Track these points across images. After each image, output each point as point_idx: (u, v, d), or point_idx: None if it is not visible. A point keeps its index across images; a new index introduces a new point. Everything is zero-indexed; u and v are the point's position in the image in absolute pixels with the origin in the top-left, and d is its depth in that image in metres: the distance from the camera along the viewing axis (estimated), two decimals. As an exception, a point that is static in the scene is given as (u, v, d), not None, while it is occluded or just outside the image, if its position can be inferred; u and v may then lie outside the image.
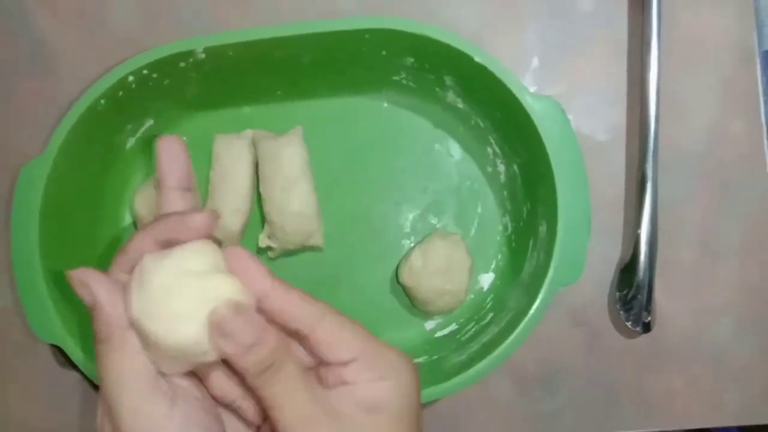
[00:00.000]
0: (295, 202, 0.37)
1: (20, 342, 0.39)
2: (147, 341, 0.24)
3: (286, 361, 0.25)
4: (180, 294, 0.24)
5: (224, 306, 0.24)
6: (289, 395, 0.25)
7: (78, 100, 0.35)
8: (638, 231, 0.38)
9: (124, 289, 0.25)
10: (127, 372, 0.25)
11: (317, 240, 0.38)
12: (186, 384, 0.26)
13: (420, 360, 0.38)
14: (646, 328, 0.38)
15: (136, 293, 0.24)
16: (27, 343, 0.39)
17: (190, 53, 0.35)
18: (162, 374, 0.25)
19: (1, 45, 0.40)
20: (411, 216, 0.40)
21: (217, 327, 0.23)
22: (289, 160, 0.38)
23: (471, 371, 0.34)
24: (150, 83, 0.36)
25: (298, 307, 0.25)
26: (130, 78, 0.35)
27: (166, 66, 0.36)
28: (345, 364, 0.25)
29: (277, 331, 0.25)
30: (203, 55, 0.36)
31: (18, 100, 0.40)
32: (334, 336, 0.26)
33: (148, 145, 0.40)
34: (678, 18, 0.40)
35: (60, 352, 0.36)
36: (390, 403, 0.25)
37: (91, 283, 0.25)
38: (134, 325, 0.24)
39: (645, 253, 0.38)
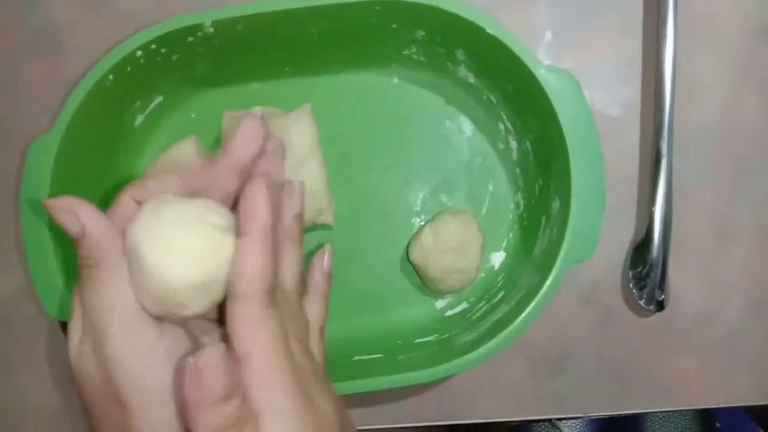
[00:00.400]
0: (305, 180, 0.37)
1: (31, 321, 0.39)
2: (137, 271, 0.24)
3: (248, 421, 0.23)
4: (197, 235, 0.24)
5: (214, 352, 0.22)
6: None
7: (85, 76, 0.35)
8: (652, 208, 0.38)
9: (126, 215, 0.25)
10: (118, 296, 0.24)
11: (327, 218, 0.38)
12: None
13: (430, 338, 0.37)
14: (660, 306, 0.38)
15: (147, 219, 0.24)
16: (38, 322, 0.39)
17: (198, 27, 0.35)
18: None
19: (9, 24, 0.40)
20: (421, 194, 0.40)
21: (194, 372, 0.22)
22: (299, 138, 0.37)
23: (481, 349, 0.33)
24: (158, 58, 0.36)
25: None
26: (139, 53, 0.35)
27: (174, 40, 0.35)
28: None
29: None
30: (212, 29, 0.35)
31: (26, 80, 0.40)
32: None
33: (157, 122, 0.39)
34: (695, -7, 0.39)
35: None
36: None
37: (78, 210, 0.25)
38: (129, 251, 0.24)
39: (659, 231, 0.38)
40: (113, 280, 0.25)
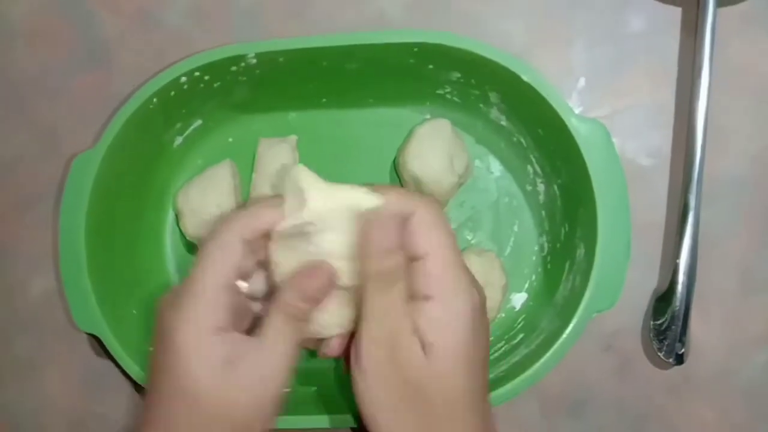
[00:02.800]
0: None
1: (61, 325, 0.40)
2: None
3: (399, 281, 0.28)
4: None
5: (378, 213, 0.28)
6: (386, 310, 0.28)
7: (131, 97, 0.36)
8: (677, 260, 0.38)
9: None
10: (217, 264, 0.28)
11: None
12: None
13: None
14: (680, 359, 0.38)
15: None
16: (67, 326, 0.40)
17: (242, 57, 0.36)
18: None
19: (62, 40, 0.41)
20: (447, 230, 0.40)
21: (366, 230, 0.28)
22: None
23: (498, 392, 0.33)
24: (201, 85, 0.37)
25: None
26: (183, 79, 0.36)
27: (217, 69, 0.36)
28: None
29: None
30: (254, 60, 0.36)
31: (73, 94, 0.41)
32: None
33: (195, 144, 0.41)
34: (729, 43, 0.40)
35: (97, 341, 0.37)
36: (445, 348, 0.28)
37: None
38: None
39: (683, 283, 0.38)
40: (219, 257, 0.29)
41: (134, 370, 0.36)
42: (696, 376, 0.39)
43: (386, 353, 0.28)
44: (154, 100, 0.36)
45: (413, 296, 0.28)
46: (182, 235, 0.40)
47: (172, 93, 0.37)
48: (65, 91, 0.41)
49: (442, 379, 0.28)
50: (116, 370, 0.40)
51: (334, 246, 0.29)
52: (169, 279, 0.40)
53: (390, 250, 0.28)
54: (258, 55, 0.36)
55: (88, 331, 0.36)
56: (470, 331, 0.28)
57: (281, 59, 0.36)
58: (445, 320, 0.28)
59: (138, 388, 0.40)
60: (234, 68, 0.37)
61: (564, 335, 0.34)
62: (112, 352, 0.36)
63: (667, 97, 0.40)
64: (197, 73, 0.36)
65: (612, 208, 0.35)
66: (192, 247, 0.40)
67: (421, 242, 0.28)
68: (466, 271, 0.30)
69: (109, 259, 0.37)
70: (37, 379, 0.41)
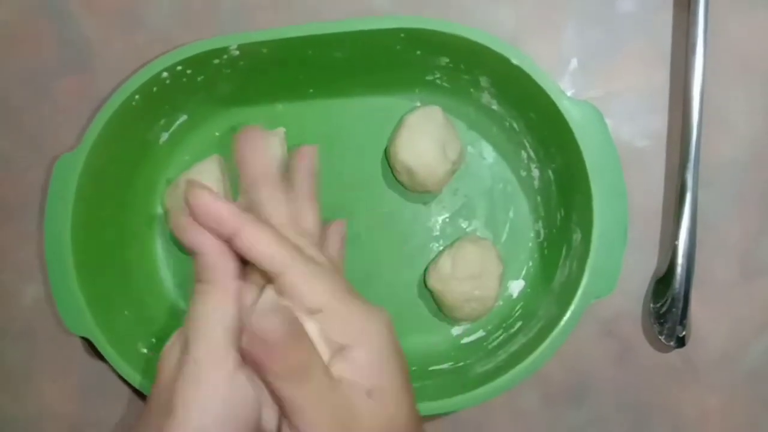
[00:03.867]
0: None
1: (52, 331, 0.40)
2: None
3: (315, 366, 0.25)
4: None
5: (268, 303, 0.25)
6: (317, 392, 0.25)
7: (112, 96, 0.35)
8: (676, 242, 0.37)
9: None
10: (217, 315, 0.26)
11: None
12: None
13: (445, 366, 0.37)
14: (681, 342, 0.37)
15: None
16: (59, 332, 0.40)
17: (224, 50, 0.35)
18: None
19: (39, 41, 0.40)
20: (440, 219, 0.40)
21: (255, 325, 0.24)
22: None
23: (497, 382, 0.33)
24: (184, 79, 0.36)
25: (268, 247, 0.26)
26: (164, 74, 0.35)
27: (200, 62, 0.35)
28: (313, 312, 0.26)
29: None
30: (237, 52, 0.35)
31: (54, 96, 0.40)
32: (304, 280, 0.26)
33: (181, 140, 0.40)
34: (725, 21, 0.39)
35: (90, 344, 0.36)
36: (361, 376, 0.26)
37: (196, 229, 0.27)
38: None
39: (682, 266, 0.37)
40: (218, 300, 0.27)
41: (127, 372, 0.35)
42: (697, 360, 0.38)
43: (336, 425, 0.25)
44: (136, 97, 0.35)
45: (331, 348, 0.26)
46: (171, 233, 0.39)
47: (155, 89, 0.36)
48: (47, 94, 0.40)
49: (392, 414, 0.26)
50: (112, 373, 0.39)
51: None
52: (159, 278, 0.40)
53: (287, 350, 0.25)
54: (241, 47, 0.35)
55: (80, 335, 0.36)
56: (394, 354, 0.27)
57: (265, 50, 0.35)
58: (374, 359, 0.27)
59: (134, 390, 0.39)
60: (217, 61, 0.36)
61: (562, 322, 0.33)
62: (105, 355, 0.35)
63: (662, 77, 0.39)
64: (179, 68, 0.35)
65: (607, 192, 0.34)
66: (182, 245, 0.39)
67: (307, 301, 0.26)
68: (360, 298, 0.28)
69: (97, 260, 0.36)
70: (33, 387, 0.40)
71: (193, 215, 0.27)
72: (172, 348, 0.28)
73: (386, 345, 0.27)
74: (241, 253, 0.27)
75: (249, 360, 0.25)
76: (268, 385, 0.25)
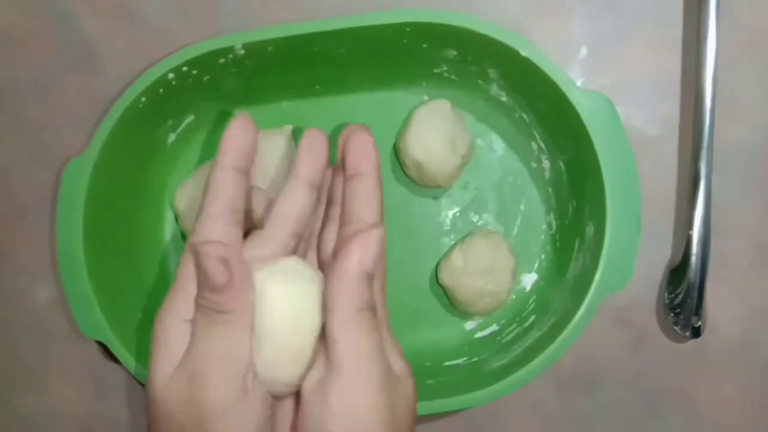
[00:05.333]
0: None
1: (65, 331, 0.40)
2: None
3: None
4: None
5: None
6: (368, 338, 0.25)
7: (119, 99, 0.35)
8: (690, 231, 0.37)
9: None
10: (236, 348, 0.25)
11: None
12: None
13: (459, 362, 0.37)
14: (696, 332, 0.37)
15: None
16: (73, 334, 0.40)
17: (229, 49, 0.35)
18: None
19: (43, 43, 0.40)
20: (451, 213, 0.39)
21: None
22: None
23: (512, 378, 0.33)
24: (190, 80, 0.36)
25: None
26: (170, 75, 0.35)
27: (205, 62, 0.35)
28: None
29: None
30: (243, 51, 0.35)
31: (60, 98, 0.40)
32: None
33: (188, 139, 0.40)
34: (737, 7, 0.38)
35: (104, 346, 0.36)
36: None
37: (229, 258, 0.25)
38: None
39: (697, 255, 0.37)
40: (239, 332, 0.25)
41: (142, 374, 0.35)
42: (713, 350, 0.38)
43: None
44: (143, 99, 0.35)
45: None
46: (182, 233, 0.39)
47: (161, 90, 0.36)
48: (51, 95, 0.40)
49: None
50: (125, 373, 0.40)
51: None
52: (171, 279, 0.40)
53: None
54: (246, 46, 0.35)
55: (94, 338, 0.36)
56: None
57: (270, 48, 0.35)
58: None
59: (149, 390, 0.40)
60: (222, 60, 0.35)
61: (576, 317, 0.33)
62: (119, 357, 0.36)
63: (673, 62, 0.39)
64: (185, 68, 0.35)
65: (620, 183, 0.34)
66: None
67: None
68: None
69: (109, 263, 0.37)
70: (46, 387, 0.40)
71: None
72: (173, 381, 0.26)
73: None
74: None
75: (345, 279, 0.25)
76: (339, 319, 0.25)
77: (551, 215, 0.39)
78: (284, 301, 0.26)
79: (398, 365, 0.27)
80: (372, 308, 0.25)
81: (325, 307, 0.25)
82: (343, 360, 0.24)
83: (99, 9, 0.40)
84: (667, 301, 0.37)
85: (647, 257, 0.38)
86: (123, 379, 0.39)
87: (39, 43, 0.40)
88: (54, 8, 0.40)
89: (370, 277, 0.25)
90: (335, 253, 0.28)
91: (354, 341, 0.25)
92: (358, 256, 0.25)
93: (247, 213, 0.30)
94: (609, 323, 0.39)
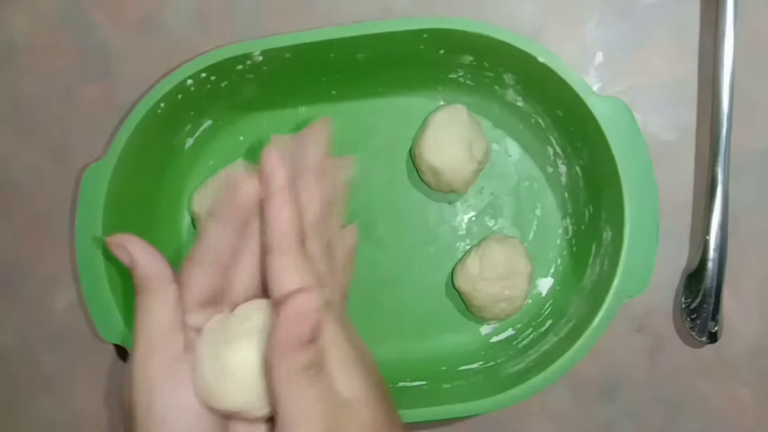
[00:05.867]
0: None
1: (87, 336, 0.40)
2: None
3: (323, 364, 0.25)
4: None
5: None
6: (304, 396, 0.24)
7: (138, 104, 0.35)
8: (707, 237, 0.37)
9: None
10: (157, 319, 0.26)
11: None
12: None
13: (475, 366, 0.37)
14: (713, 338, 0.37)
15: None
16: (92, 338, 0.40)
17: (247, 56, 0.35)
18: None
19: (63, 51, 0.41)
20: (466, 217, 0.39)
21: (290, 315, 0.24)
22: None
23: (529, 383, 0.33)
24: (208, 86, 0.36)
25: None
26: (189, 81, 0.35)
27: (223, 69, 0.35)
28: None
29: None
30: (260, 58, 0.35)
31: (80, 104, 0.41)
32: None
33: (205, 145, 0.40)
34: (752, 12, 0.38)
35: (121, 348, 0.37)
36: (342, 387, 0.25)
37: (128, 244, 0.27)
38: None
39: (713, 260, 0.37)
40: (156, 305, 0.26)
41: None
42: (731, 355, 0.38)
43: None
44: (162, 104, 0.35)
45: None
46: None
47: (179, 96, 0.36)
48: (72, 104, 0.41)
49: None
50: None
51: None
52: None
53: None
54: (264, 52, 0.35)
55: (113, 342, 0.36)
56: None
57: (288, 54, 0.35)
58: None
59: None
60: (240, 67, 0.36)
61: (594, 322, 0.33)
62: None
63: (690, 68, 0.39)
64: (203, 75, 0.35)
65: (638, 189, 0.33)
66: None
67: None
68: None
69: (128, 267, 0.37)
70: (67, 392, 0.41)
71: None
72: (126, 368, 0.27)
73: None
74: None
75: (278, 346, 0.24)
76: (277, 380, 0.24)
77: (567, 220, 0.39)
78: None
79: (349, 388, 0.26)
80: (315, 365, 0.25)
81: (266, 365, 0.25)
82: (286, 419, 0.24)
83: (119, 19, 0.40)
84: (683, 306, 0.37)
85: (664, 262, 0.38)
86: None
87: (60, 52, 0.41)
88: (75, 20, 0.40)
89: (309, 341, 0.24)
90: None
91: (295, 402, 0.24)
92: (294, 331, 0.24)
93: None
94: (626, 328, 0.39)
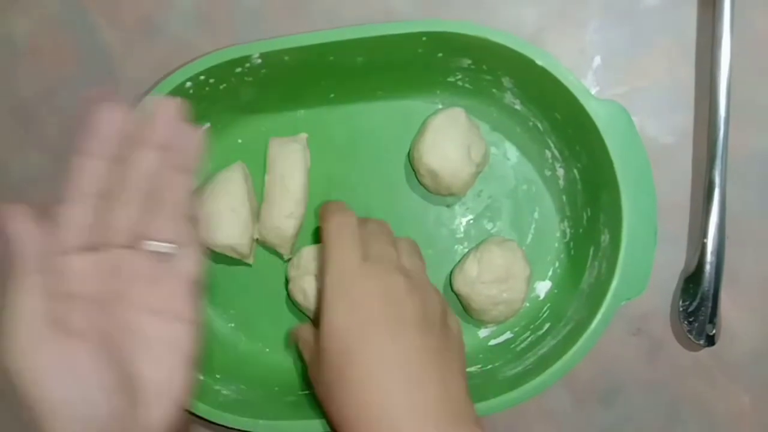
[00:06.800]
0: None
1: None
2: None
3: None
4: None
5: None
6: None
7: (136, 107, 0.35)
8: (704, 240, 0.37)
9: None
10: (21, 307, 0.26)
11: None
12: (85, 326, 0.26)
13: (473, 369, 0.37)
14: (710, 341, 0.37)
15: None
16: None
17: (246, 58, 0.35)
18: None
19: (66, 55, 0.41)
20: (465, 220, 0.39)
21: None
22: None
23: (527, 386, 0.33)
24: (207, 88, 0.36)
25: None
26: (188, 84, 0.35)
27: (222, 71, 0.36)
28: None
29: None
30: (259, 60, 0.35)
31: (78, 106, 0.40)
32: None
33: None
34: (750, 16, 0.38)
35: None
36: None
37: (8, 216, 0.26)
38: None
39: (711, 263, 0.37)
40: (20, 290, 0.26)
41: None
42: (728, 358, 0.38)
43: None
44: (161, 107, 0.35)
45: None
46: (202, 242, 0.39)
47: (178, 98, 0.36)
48: (72, 106, 0.41)
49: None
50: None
51: None
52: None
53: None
54: (263, 55, 0.35)
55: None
56: None
57: (286, 57, 0.35)
58: None
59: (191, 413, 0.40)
60: (239, 69, 0.36)
61: (592, 325, 0.33)
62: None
63: (687, 72, 0.39)
64: (202, 77, 0.35)
65: (636, 192, 0.34)
66: (207, 253, 0.40)
67: None
68: None
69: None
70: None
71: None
72: None
73: None
74: None
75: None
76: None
77: (565, 223, 0.39)
78: None
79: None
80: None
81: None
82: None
83: (119, 21, 0.40)
84: (681, 309, 0.37)
85: (661, 265, 0.38)
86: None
87: (61, 56, 0.41)
88: (75, 21, 0.40)
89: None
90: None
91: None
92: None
93: None
94: (624, 332, 0.39)
